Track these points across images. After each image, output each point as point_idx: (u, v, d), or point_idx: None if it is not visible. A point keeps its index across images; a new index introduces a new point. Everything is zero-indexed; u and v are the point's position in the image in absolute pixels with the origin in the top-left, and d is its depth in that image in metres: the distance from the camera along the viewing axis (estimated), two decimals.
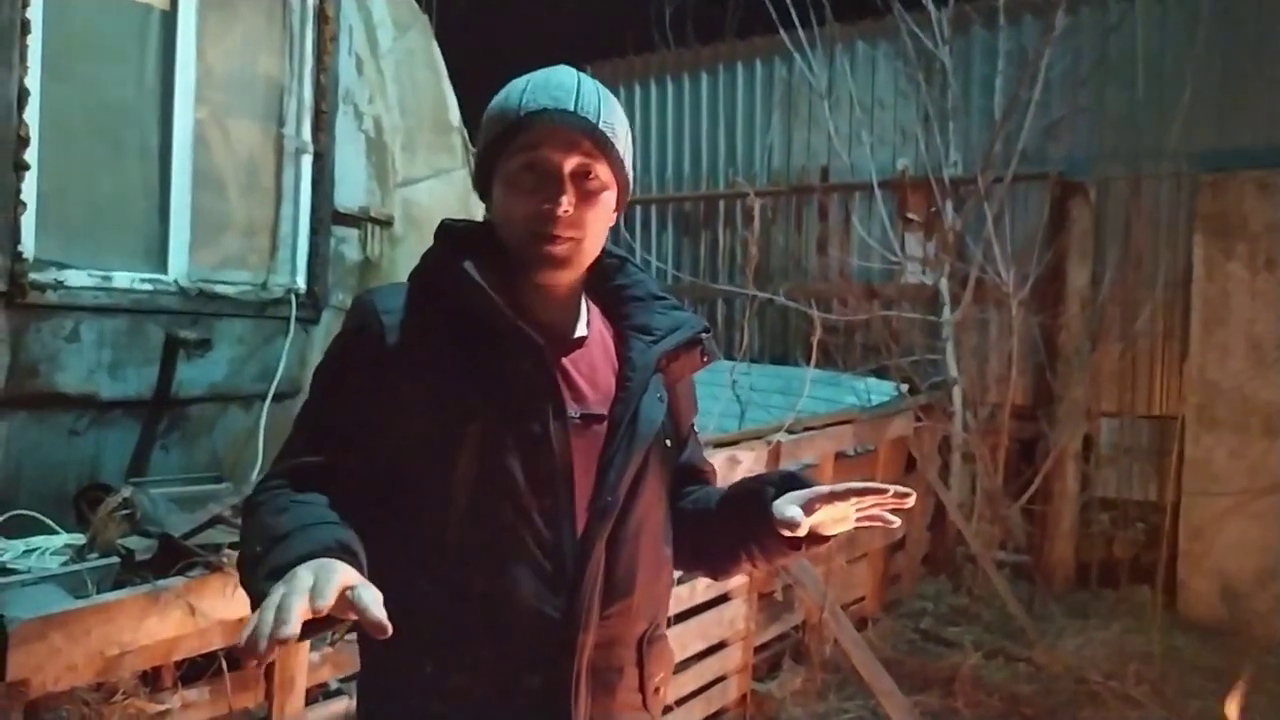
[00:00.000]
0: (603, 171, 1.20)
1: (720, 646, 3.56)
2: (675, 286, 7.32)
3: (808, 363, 4.60)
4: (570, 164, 1.18)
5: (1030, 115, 5.27)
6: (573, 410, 1.21)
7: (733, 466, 3.51)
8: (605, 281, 1.35)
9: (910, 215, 6.04)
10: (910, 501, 1.22)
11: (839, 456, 4.39)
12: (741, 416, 4.98)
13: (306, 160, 3.97)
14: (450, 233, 1.27)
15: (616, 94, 7.57)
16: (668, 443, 1.30)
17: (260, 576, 1.00)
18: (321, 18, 3.96)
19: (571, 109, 1.18)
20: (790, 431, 3.88)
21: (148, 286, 3.42)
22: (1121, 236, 5.47)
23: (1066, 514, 5.40)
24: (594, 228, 1.22)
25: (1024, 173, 5.43)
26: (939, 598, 5.08)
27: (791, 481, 1.28)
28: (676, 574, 3.35)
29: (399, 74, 4.42)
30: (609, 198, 1.23)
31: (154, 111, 3.51)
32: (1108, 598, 5.11)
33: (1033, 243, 5.24)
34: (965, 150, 5.83)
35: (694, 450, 1.46)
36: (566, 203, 1.17)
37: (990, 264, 5.17)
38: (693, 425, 1.46)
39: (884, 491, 1.21)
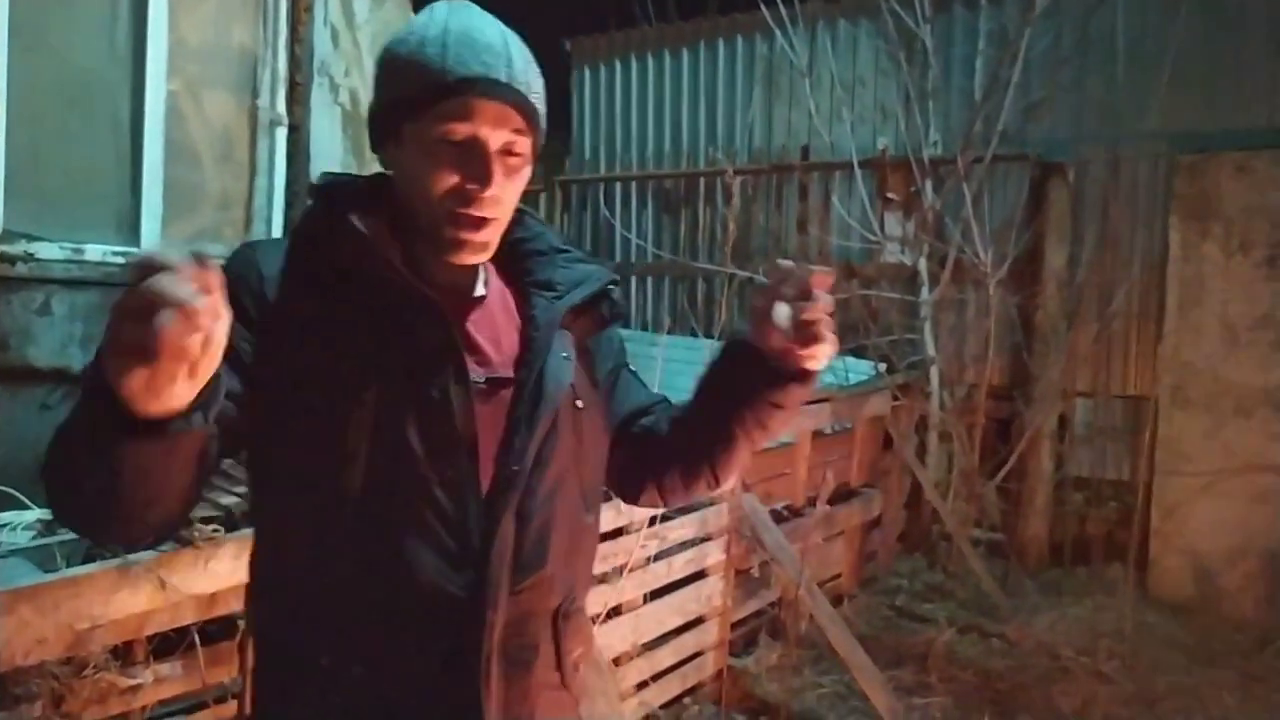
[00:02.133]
0: (526, 146, 1.12)
1: (697, 622, 3.59)
2: (655, 264, 7.32)
3: None
4: (498, 141, 1.09)
5: (1010, 95, 5.27)
6: (476, 374, 1.13)
7: None
8: (504, 234, 1.23)
9: (890, 195, 6.05)
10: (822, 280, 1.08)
11: (817, 434, 4.41)
12: None
13: (281, 133, 3.92)
14: (333, 186, 1.16)
15: (596, 70, 7.56)
16: (579, 403, 1.21)
17: (91, 367, 0.85)
18: None
19: (505, 80, 1.08)
20: None
21: (120, 259, 3.38)
22: (1099, 217, 5.50)
23: (1041, 492, 5.46)
24: (512, 204, 1.15)
25: (1003, 153, 5.43)
26: (914, 575, 5.13)
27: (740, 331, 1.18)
28: (656, 546, 3.35)
29: (375, 46, 4.36)
30: (528, 170, 1.15)
31: (126, 82, 3.45)
32: (1080, 575, 5.17)
33: (1011, 223, 5.26)
34: (945, 130, 5.83)
35: (636, 392, 1.36)
36: (496, 186, 1.09)
37: (969, 244, 5.19)
38: (625, 368, 1.37)
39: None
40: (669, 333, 6.22)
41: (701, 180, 7.23)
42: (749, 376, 1.17)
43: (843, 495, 4.63)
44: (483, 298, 1.20)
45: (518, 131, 1.10)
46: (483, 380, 1.14)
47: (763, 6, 5.65)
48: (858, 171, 5.66)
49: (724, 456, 1.26)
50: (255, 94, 3.87)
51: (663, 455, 1.30)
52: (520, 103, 1.09)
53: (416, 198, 1.11)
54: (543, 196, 8.16)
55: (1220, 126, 5.30)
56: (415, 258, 1.13)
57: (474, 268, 1.19)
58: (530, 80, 1.11)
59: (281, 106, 3.92)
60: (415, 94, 1.08)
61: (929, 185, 5.53)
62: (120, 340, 0.78)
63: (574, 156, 8.15)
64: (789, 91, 6.78)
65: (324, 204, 1.14)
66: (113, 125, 3.45)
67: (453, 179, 1.08)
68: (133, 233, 3.47)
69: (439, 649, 1.09)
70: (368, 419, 1.06)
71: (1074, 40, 5.57)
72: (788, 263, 1.11)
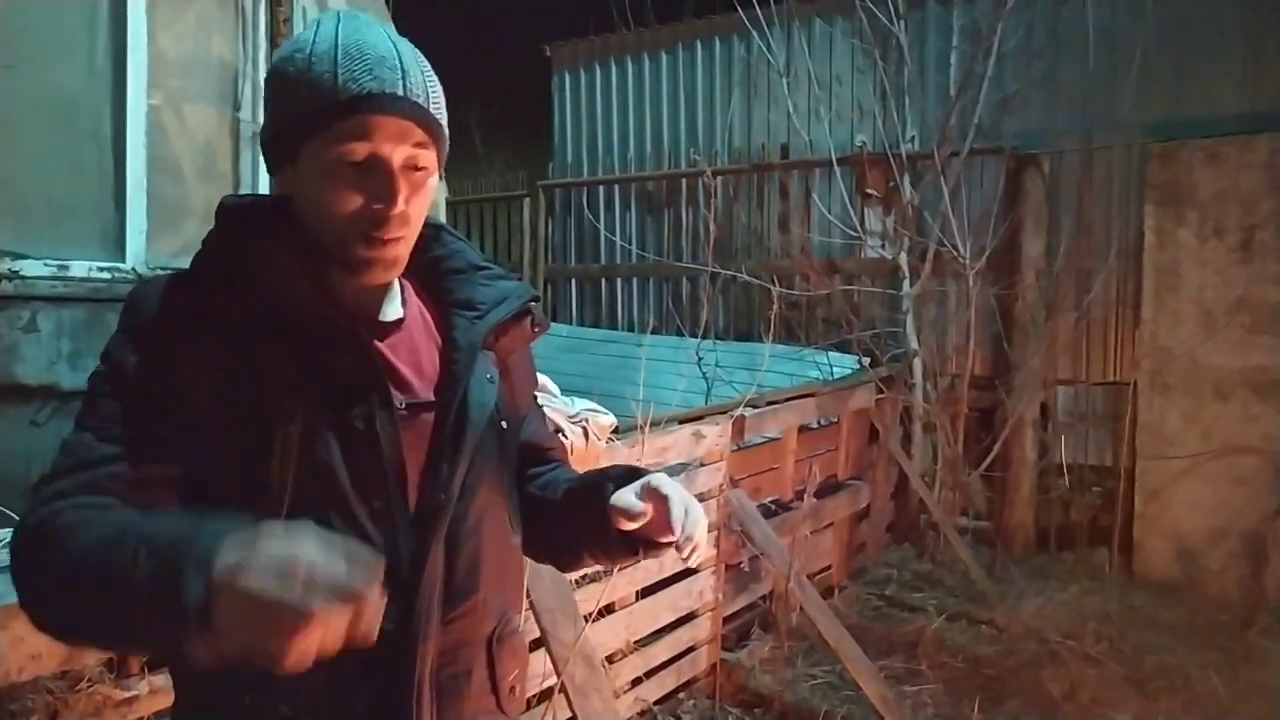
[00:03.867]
0: (430, 159, 1.08)
1: (690, 618, 3.62)
2: (639, 265, 7.36)
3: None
4: (400, 157, 1.05)
5: (984, 90, 5.34)
6: (397, 400, 1.10)
7: (697, 441, 3.56)
8: (421, 254, 1.19)
9: (869, 191, 6.11)
10: (693, 557, 1.12)
11: (803, 429, 4.46)
12: (707, 393, 5.04)
13: None
14: (233, 213, 1.12)
15: (576, 75, 7.56)
16: (504, 425, 1.20)
17: (185, 570, 0.83)
18: None
19: (402, 93, 1.03)
20: (753, 405, 3.94)
21: (106, 275, 3.40)
22: (1075, 207, 5.56)
23: (1025, 480, 5.52)
24: (420, 219, 1.11)
25: (979, 147, 5.50)
26: (903, 564, 5.18)
27: (634, 475, 1.18)
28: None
29: None
30: (434, 183, 1.10)
31: (106, 98, 3.48)
32: (1066, 560, 5.23)
33: (989, 215, 5.32)
34: (922, 125, 5.90)
35: (537, 427, 1.36)
36: (402, 202, 1.04)
37: (948, 237, 5.25)
38: (534, 399, 1.37)
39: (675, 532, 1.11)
40: (654, 332, 6.27)
41: (683, 181, 7.27)
42: (608, 525, 1.16)
43: (830, 488, 4.68)
44: (400, 320, 1.16)
45: (419, 145, 1.06)
46: (404, 406, 1.11)
47: (739, 8, 5.70)
48: (837, 169, 5.73)
49: (570, 563, 1.35)
50: (236, 106, 3.89)
51: (532, 523, 1.28)
52: (420, 116, 1.05)
53: (320, 221, 1.07)
54: (526, 201, 8.19)
55: (1191, 114, 5.38)
56: (326, 283, 1.09)
57: (387, 288, 1.16)
58: (429, 90, 1.07)
59: (263, 118, 3.94)
60: (309, 114, 1.03)
61: (907, 180, 5.59)
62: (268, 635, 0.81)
63: (556, 161, 8.18)
64: (767, 91, 6.84)
65: (228, 233, 1.10)
66: (94, 141, 3.47)
67: (357, 200, 1.04)
68: (118, 248, 3.49)
69: (366, 683, 1.06)
70: (290, 455, 1.02)
71: (1046, 33, 5.64)
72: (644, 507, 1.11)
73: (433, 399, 1.14)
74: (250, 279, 1.05)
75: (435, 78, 1.09)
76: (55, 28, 3.37)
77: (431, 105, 1.07)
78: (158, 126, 3.61)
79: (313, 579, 0.79)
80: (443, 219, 4.74)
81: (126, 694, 1.89)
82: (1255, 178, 4.89)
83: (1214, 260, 4.99)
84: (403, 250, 1.09)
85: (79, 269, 3.34)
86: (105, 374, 1.06)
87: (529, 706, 2.49)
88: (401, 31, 1.11)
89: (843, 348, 5.62)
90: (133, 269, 3.48)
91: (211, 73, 3.83)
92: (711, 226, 5.12)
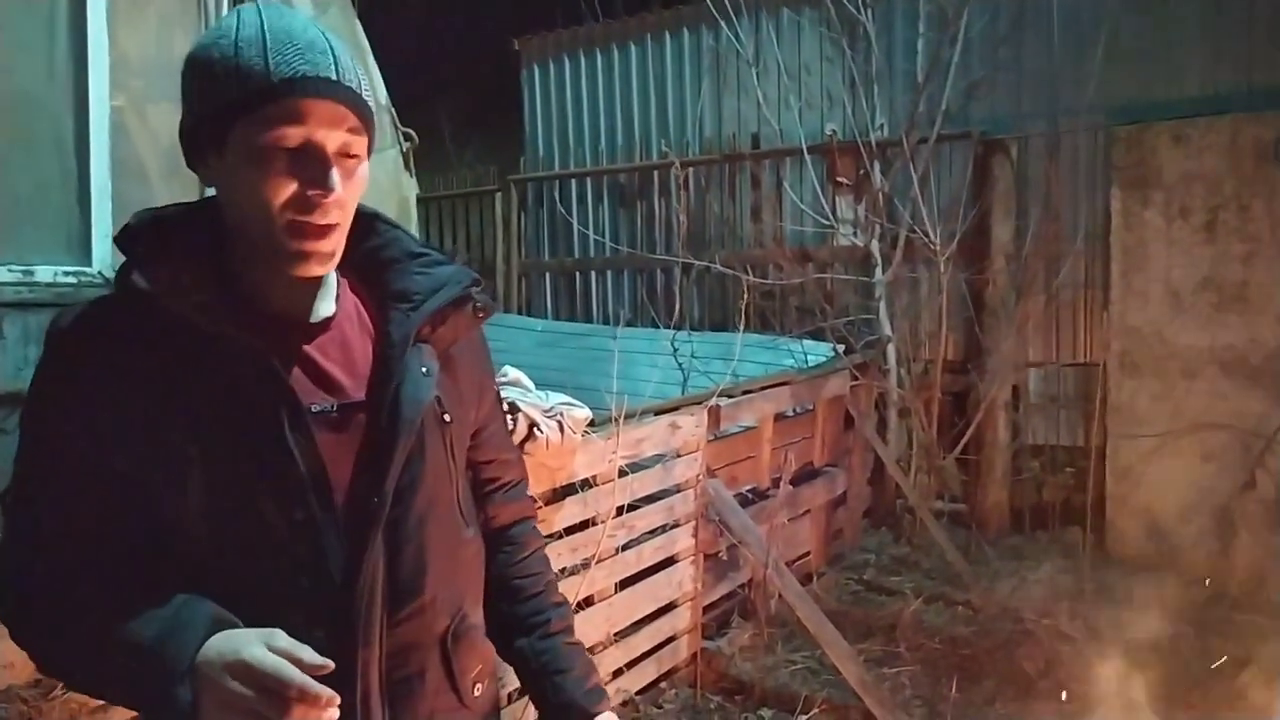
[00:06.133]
0: (362, 146, 1.05)
1: (670, 608, 3.65)
2: (614, 258, 7.36)
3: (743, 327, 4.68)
4: (335, 143, 1.02)
5: (951, 76, 5.38)
6: (324, 404, 1.07)
7: (673, 432, 3.57)
8: (357, 245, 1.15)
9: (840, 179, 6.14)
10: None
11: (778, 417, 4.48)
12: (684, 384, 5.06)
13: None
14: (136, 234, 1.05)
15: (545, 68, 7.52)
16: (446, 418, 1.15)
17: (164, 674, 0.93)
18: None
19: (335, 78, 1.01)
20: (728, 395, 3.96)
21: (71, 280, 3.36)
22: (1042, 191, 5.62)
23: (999, 462, 5.58)
24: (353, 208, 1.08)
25: (947, 133, 5.54)
26: (880, 549, 5.23)
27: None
28: (624, 535, 3.38)
29: None
30: (365, 172, 1.07)
31: (68, 100, 3.43)
32: (1040, 540, 5.29)
33: (958, 201, 5.35)
34: (890, 113, 5.92)
35: (493, 434, 1.31)
36: (338, 187, 1.01)
37: (918, 224, 5.28)
38: (497, 401, 1.32)
39: None
40: (628, 325, 6.28)
41: (655, 173, 7.28)
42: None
43: (807, 475, 4.71)
44: (330, 319, 1.12)
45: (353, 131, 1.03)
46: (333, 408, 1.07)
47: None
48: (807, 157, 5.74)
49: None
50: None
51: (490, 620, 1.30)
52: (353, 101, 1.02)
53: (250, 212, 1.03)
54: (498, 196, 8.17)
55: (1156, 97, 5.44)
56: (246, 289, 1.07)
57: (317, 286, 1.11)
58: (360, 77, 1.05)
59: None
60: (239, 99, 0.99)
61: (877, 168, 5.62)
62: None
63: (527, 155, 8.16)
64: (736, 81, 6.84)
65: (133, 255, 1.05)
66: (57, 145, 3.42)
67: (290, 187, 1.00)
68: (83, 252, 3.45)
69: None
70: (201, 477, 1.01)
71: (1011, 19, 5.68)
72: None
73: (364, 398, 1.10)
74: (154, 300, 1.01)
75: (363, 68, 1.08)
76: (13, 29, 3.32)
77: (364, 92, 1.04)
78: (121, 128, 3.56)
79: (277, 683, 0.89)
80: (413, 215, 4.71)
81: (99, 701, 1.88)
82: (1219, 158, 4.94)
83: (1180, 241, 5.04)
84: (337, 242, 1.06)
85: (44, 274, 3.30)
86: (25, 420, 1.07)
87: (509, 701, 2.50)
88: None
89: (817, 336, 5.65)
90: (99, 273, 3.44)
91: (174, 73, 3.71)
92: (683, 217, 5.13)
